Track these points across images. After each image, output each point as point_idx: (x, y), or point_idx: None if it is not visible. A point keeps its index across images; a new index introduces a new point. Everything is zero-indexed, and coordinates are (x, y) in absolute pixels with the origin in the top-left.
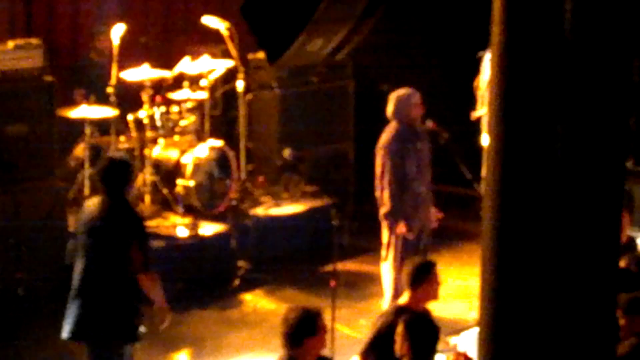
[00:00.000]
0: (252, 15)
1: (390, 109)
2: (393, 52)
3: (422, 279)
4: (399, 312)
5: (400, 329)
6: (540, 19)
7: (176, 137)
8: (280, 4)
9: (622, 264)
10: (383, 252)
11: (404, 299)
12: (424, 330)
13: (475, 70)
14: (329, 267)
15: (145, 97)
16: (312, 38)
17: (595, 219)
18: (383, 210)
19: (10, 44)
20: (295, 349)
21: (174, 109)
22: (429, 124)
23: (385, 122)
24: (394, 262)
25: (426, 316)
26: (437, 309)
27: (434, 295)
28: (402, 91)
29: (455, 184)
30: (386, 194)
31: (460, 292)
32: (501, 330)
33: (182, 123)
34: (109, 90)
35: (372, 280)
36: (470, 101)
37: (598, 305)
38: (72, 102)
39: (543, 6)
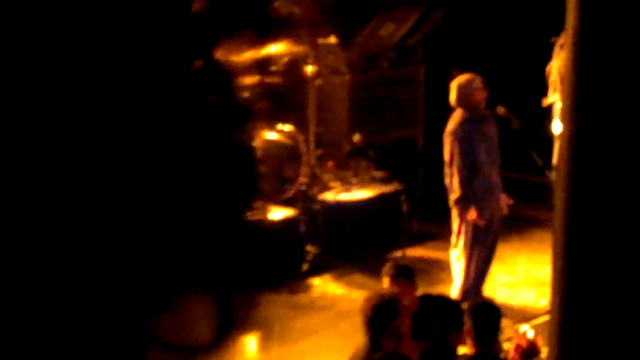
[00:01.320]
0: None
1: (453, 96)
2: (465, 38)
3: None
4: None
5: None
6: (616, 4)
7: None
8: None
9: None
10: (453, 239)
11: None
12: (487, 315)
13: (548, 56)
14: (398, 253)
15: None
16: (384, 23)
17: None
18: (453, 196)
19: None
20: (379, 334)
21: (244, 93)
22: (500, 110)
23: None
24: (465, 249)
25: (490, 302)
26: (507, 296)
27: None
28: (462, 77)
29: (526, 171)
30: (456, 181)
31: (530, 280)
32: (572, 320)
33: (253, 106)
34: None
35: (441, 267)
36: (543, 88)
37: None
38: None
39: None
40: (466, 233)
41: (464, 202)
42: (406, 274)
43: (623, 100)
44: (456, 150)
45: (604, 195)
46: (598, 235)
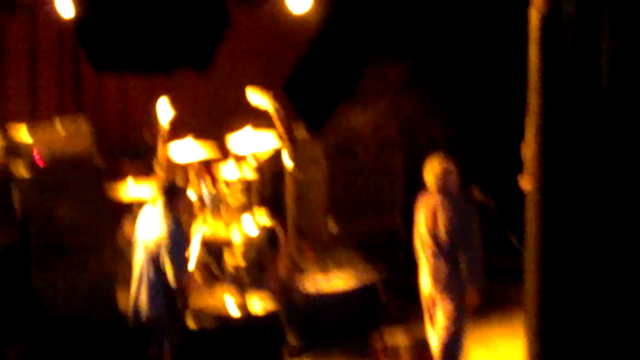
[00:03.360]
0: (295, 92)
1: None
2: (439, 122)
3: None
4: None
5: None
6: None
7: (224, 214)
8: (320, 81)
9: None
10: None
11: None
12: None
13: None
14: (378, 342)
15: (191, 174)
16: (352, 112)
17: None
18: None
19: (60, 127)
20: None
21: (222, 186)
22: (476, 193)
23: None
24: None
25: None
26: None
27: None
28: (438, 164)
29: (505, 254)
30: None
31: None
32: None
33: (230, 200)
34: (157, 168)
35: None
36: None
37: None
38: (120, 176)
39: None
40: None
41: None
42: None
43: (587, 177)
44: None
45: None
46: (570, 308)
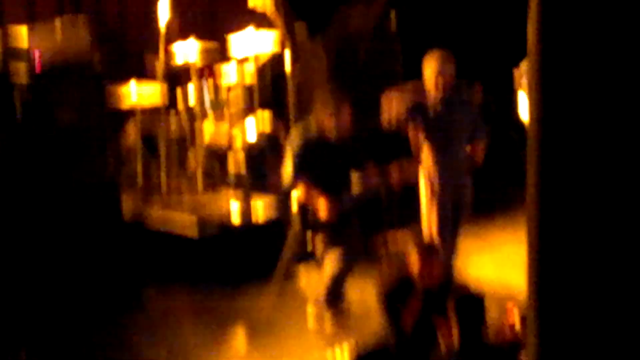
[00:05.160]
0: None
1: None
2: (439, 14)
3: None
4: None
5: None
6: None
7: (225, 112)
8: None
9: None
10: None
11: None
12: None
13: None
14: (379, 237)
15: (193, 71)
16: (352, 7)
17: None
18: None
19: (58, 22)
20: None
21: (223, 90)
22: (477, 93)
23: None
24: None
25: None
26: (492, 274)
27: None
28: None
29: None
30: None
31: (516, 258)
32: (549, 305)
33: (232, 98)
34: (157, 66)
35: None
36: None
37: None
38: (120, 79)
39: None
40: None
41: None
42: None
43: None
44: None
45: (575, 190)
46: (572, 227)
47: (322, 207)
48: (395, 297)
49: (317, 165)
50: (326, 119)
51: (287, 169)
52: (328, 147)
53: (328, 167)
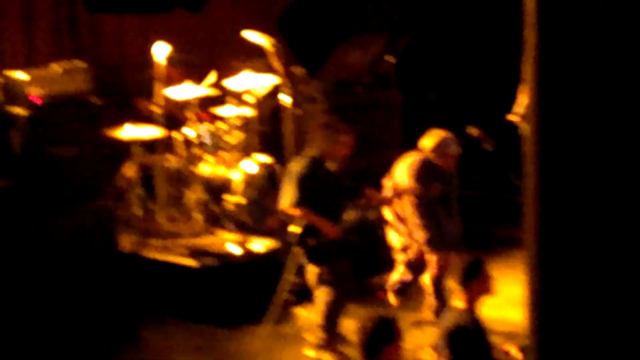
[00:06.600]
0: (290, 31)
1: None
2: (436, 60)
3: (473, 275)
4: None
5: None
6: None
7: (223, 154)
8: (316, 20)
9: None
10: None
11: (459, 299)
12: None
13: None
14: (378, 279)
15: (190, 114)
16: (350, 51)
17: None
18: None
19: (57, 67)
20: (373, 358)
21: (220, 125)
22: (474, 131)
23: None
24: None
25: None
26: (491, 315)
27: (487, 289)
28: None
29: (504, 192)
30: None
31: (513, 299)
32: (549, 338)
33: (229, 139)
34: (155, 109)
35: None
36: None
37: None
38: (119, 122)
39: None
40: None
41: None
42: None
43: (585, 116)
44: None
45: (571, 209)
46: (570, 251)
47: (326, 226)
48: (375, 338)
49: (317, 192)
50: (329, 147)
51: (288, 195)
52: (328, 175)
53: (327, 195)
